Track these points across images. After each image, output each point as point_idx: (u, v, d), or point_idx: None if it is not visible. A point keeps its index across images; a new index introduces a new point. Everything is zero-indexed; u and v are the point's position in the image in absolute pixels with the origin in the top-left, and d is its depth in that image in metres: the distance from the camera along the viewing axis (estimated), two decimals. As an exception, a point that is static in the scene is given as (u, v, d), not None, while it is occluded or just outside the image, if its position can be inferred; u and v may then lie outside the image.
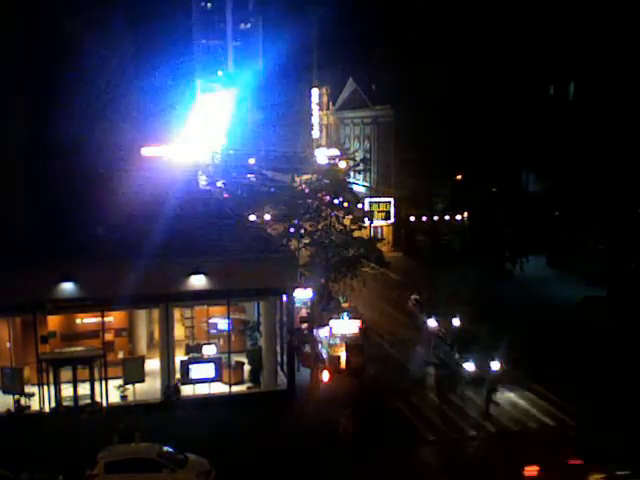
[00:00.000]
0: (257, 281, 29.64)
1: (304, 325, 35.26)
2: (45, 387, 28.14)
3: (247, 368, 31.18)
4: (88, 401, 28.56)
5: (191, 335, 33.06)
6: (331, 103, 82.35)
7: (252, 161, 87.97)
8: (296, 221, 40.44)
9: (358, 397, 29.34)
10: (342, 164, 50.08)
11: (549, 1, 49.04)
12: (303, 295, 35.44)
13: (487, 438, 27.30)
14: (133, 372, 29.38)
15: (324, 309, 36.98)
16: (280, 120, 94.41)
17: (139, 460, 22.77)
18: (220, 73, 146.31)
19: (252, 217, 51.01)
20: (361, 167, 50.37)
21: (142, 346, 32.61)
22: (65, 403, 28.50)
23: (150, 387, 29.63)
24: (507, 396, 30.49)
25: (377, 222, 59.54)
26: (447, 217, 56.87)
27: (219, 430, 26.44)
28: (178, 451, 23.72)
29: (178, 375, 29.81)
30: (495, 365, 31.69)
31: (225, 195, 71.35)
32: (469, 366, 32.35)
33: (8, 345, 29.68)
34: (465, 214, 55.38)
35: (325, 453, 25.28)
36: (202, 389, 30.08)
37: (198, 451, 24.04)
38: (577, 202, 45.27)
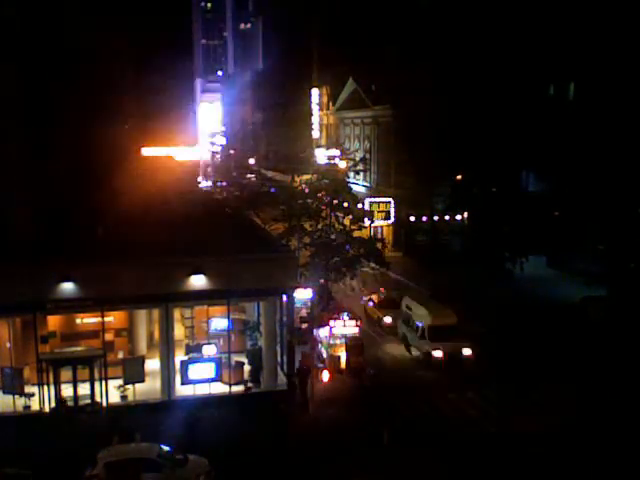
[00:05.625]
0: (257, 281, 29.61)
1: (304, 325, 35.26)
2: (45, 387, 28.13)
3: (247, 368, 31.20)
4: (88, 401, 28.56)
5: (191, 335, 33.04)
6: (331, 103, 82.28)
7: (252, 161, 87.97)
8: None
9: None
10: (342, 164, 50.03)
11: (549, 1, 49.13)
12: (303, 295, 35.43)
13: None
14: (133, 372, 29.32)
15: (324, 309, 36.96)
16: (280, 120, 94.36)
17: (139, 460, 22.75)
18: (220, 73, 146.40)
19: (252, 217, 51.01)
20: (361, 167, 50.38)
21: (142, 346, 32.57)
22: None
23: (150, 387, 29.63)
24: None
25: (377, 222, 59.53)
26: (447, 217, 56.86)
27: (219, 430, 26.40)
28: (178, 451, 23.72)
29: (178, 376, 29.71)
30: None
31: (225, 195, 71.41)
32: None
33: (8, 345, 29.62)
34: (465, 214, 55.38)
35: (325, 453, 25.27)
36: (202, 389, 30.10)
37: (197, 451, 24.00)
38: (577, 202, 45.31)
